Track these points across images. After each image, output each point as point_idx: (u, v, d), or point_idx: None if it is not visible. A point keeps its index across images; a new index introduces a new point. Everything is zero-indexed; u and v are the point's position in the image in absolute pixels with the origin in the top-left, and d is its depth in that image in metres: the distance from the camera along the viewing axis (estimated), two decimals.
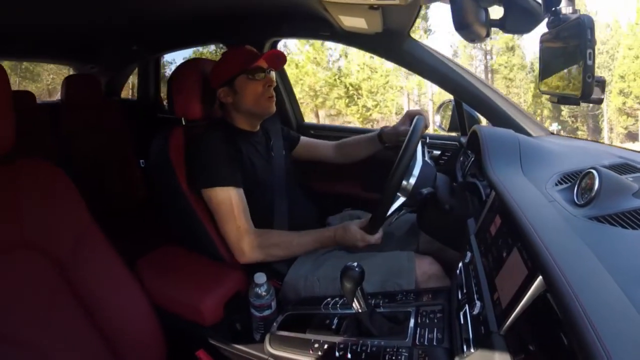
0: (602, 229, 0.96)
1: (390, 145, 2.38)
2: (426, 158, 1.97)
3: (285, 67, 2.89)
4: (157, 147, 2.05)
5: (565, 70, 1.25)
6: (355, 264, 1.29)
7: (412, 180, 1.88)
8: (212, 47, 23.16)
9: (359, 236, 1.86)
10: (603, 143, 2.01)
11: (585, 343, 0.62)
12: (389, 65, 32.36)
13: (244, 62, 2.03)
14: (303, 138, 2.57)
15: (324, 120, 32.93)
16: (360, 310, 1.31)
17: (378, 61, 31.84)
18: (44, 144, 3.55)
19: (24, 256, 1.40)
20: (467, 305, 1.18)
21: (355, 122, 31.40)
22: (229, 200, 1.87)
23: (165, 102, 4.70)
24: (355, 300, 1.29)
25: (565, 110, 32.69)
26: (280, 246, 1.90)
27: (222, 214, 1.88)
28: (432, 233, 1.94)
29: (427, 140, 2.24)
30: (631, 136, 32.33)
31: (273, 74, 2.13)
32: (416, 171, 1.89)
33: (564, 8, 1.25)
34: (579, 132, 33.25)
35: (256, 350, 1.57)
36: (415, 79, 33.59)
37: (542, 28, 1.45)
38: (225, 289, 1.82)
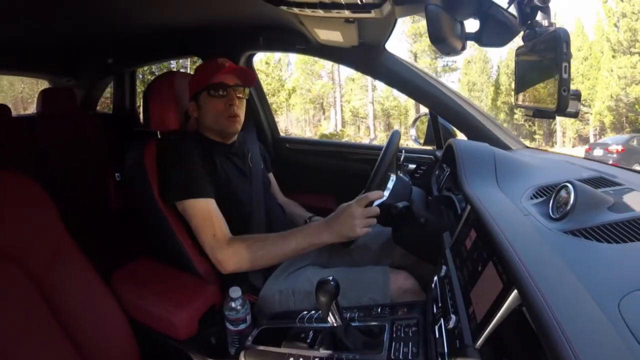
0: (577, 243, 0.97)
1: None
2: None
3: None
4: (132, 160, 2.03)
5: (541, 84, 1.26)
6: (331, 277, 1.28)
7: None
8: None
9: (355, 210, 1.73)
10: (578, 157, 2.02)
11: (560, 357, 0.62)
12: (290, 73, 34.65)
13: (206, 77, 2.01)
14: (271, 175, 2.55)
15: None
16: (335, 324, 1.30)
17: (272, 67, 32.94)
18: (18, 157, 3.52)
19: None
20: (442, 319, 1.18)
21: None
22: (202, 211, 1.84)
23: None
24: (330, 314, 1.28)
25: (518, 113, 33.04)
26: (259, 253, 1.79)
27: (196, 225, 1.84)
28: (408, 247, 1.94)
29: (403, 155, 2.23)
30: (583, 139, 32.78)
31: (247, 91, 2.11)
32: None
33: (540, 21, 1.26)
34: (536, 136, 33.67)
35: None
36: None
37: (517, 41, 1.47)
38: (200, 303, 1.80)
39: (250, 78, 2.10)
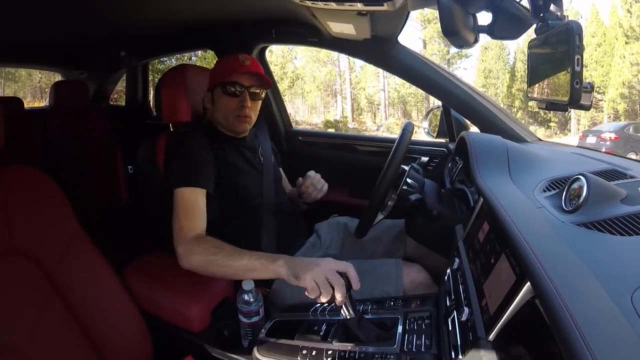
0: (590, 236, 0.97)
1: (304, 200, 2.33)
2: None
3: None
4: (144, 153, 2.04)
5: (554, 76, 1.25)
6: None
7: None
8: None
9: (328, 264, 1.42)
10: (591, 149, 2.01)
11: (573, 349, 0.62)
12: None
13: (223, 73, 2.01)
14: (280, 170, 2.51)
15: None
16: (348, 317, 1.31)
17: (276, 55, 33.29)
18: (30, 150, 3.53)
19: (11, 263, 1.39)
20: (455, 312, 1.18)
21: None
22: (183, 200, 1.80)
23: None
24: (343, 306, 1.29)
25: None
26: (212, 258, 1.64)
27: (174, 214, 1.79)
28: (420, 239, 1.94)
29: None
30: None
31: (264, 92, 2.11)
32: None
33: (552, 14, 1.26)
34: (551, 124, 33.24)
35: (244, 357, 1.56)
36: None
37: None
38: (213, 295, 1.81)
39: (267, 80, 2.08)
